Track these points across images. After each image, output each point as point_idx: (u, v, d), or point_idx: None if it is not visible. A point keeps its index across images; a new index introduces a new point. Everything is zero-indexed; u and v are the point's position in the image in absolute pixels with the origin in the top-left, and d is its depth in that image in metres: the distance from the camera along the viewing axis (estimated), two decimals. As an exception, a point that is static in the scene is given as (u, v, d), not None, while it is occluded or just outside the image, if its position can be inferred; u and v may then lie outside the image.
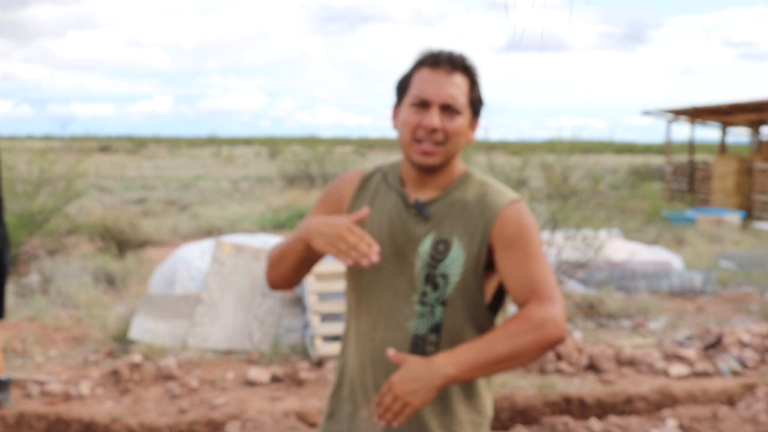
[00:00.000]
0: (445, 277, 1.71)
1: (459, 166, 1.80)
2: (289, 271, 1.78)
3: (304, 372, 4.69)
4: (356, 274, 1.81)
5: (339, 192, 1.87)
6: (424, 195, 1.77)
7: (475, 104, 1.76)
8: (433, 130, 1.69)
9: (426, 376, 1.57)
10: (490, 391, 1.82)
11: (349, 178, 1.89)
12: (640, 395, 4.53)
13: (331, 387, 1.90)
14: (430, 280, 1.71)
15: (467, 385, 1.75)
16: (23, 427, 4.08)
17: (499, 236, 1.70)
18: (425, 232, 1.74)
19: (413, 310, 1.72)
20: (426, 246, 1.73)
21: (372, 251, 1.58)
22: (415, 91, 1.72)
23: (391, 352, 1.62)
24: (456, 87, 1.71)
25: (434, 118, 1.68)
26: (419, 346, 1.73)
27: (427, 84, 1.70)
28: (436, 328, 1.72)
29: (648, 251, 8.16)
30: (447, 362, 1.58)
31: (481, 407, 1.79)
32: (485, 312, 1.75)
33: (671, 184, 19.75)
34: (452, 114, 1.70)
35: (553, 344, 1.61)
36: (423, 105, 1.70)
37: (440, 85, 1.70)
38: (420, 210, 1.75)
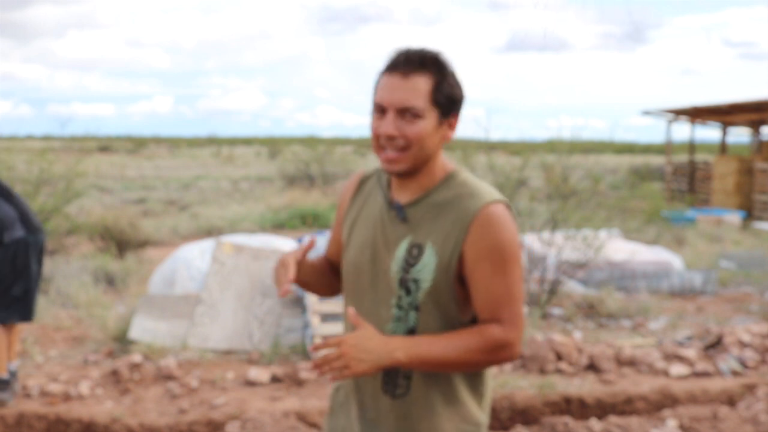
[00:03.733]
0: (416, 282, 1.67)
1: (444, 166, 1.74)
2: (312, 290, 1.93)
3: (304, 372, 4.69)
4: (345, 275, 1.82)
5: (343, 195, 1.90)
6: (404, 197, 1.73)
7: (443, 102, 1.66)
8: (391, 137, 1.64)
9: (378, 354, 1.58)
10: (477, 398, 1.76)
11: (350, 181, 1.90)
12: (640, 395, 4.53)
13: (334, 384, 1.93)
14: (403, 284, 1.68)
15: (447, 391, 1.72)
16: (23, 427, 4.08)
17: (471, 246, 1.64)
18: (403, 235, 1.71)
19: (391, 314, 1.71)
20: (402, 250, 1.70)
21: (285, 281, 1.70)
22: (375, 97, 1.68)
23: (351, 310, 1.63)
24: (411, 90, 1.63)
25: (389, 126, 1.63)
26: None
27: (383, 90, 1.66)
28: (412, 333, 1.70)
29: (648, 251, 8.16)
30: (401, 348, 1.61)
31: (467, 415, 1.73)
32: (458, 320, 1.70)
33: (671, 184, 19.75)
34: (411, 118, 1.64)
35: (501, 364, 1.72)
36: (381, 111, 1.66)
37: (393, 90, 1.64)
38: (398, 212, 1.72)
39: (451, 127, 1.71)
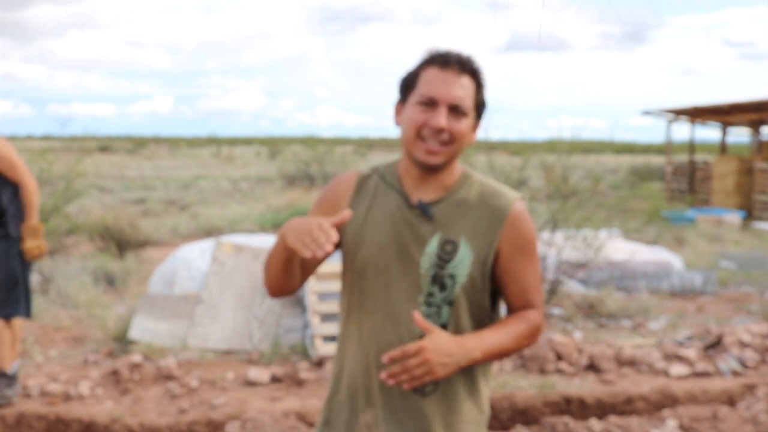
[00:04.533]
0: (452, 277, 1.72)
1: (458, 166, 1.81)
2: (278, 275, 1.75)
3: (304, 372, 4.69)
4: (358, 275, 1.78)
5: (335, 194, 1.84)
6: (426, 195, 1.76)
7: (480, 107, 1.77)
8: (440, 130, 1.69)
9: (458, 356, 1.63)
10: (488, 388, 1.83)
11: (345, 180, 1.86)
12: (640, 395, 4.53)
13: (327, 392, 1.87)
14: (438, 280, 1.72)
15: (470, 383, 1.77)
16: (23, 427, 4.08)
17: (508, 241, 1.75)
18: (431, 232, 1.74)
19: (419, 312, 1.72)
20: (433, 246, 1.73)
21: (328, 242, 1.55)
22: (423, 89, 1.71)
23: (417, 315, 1.62)
24: (464, 89, 1.71)
25: (441, 118, 1.68)
26: None
27: (436, 84, 1.70)
28: (444, 328, 1.73)
29: (648, 251, 8.16)
30: (477, 347, 1.66)
31: (482, 405, 1.81)
32: (488, 311, 1.78)
33: (671, 184, 19.75)
34: (459, 115, 1.70)
35: (530, 347, 1.80)
36: (430, 104, 1.70)
37: (449, 85, 1.70)
38: (424, 211, 1.75)
39: (475, 131, 1.80)
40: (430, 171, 1.74)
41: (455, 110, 1.70)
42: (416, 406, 1.74)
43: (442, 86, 1.69)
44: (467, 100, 1.71)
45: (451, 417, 1.75)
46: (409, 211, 1.76)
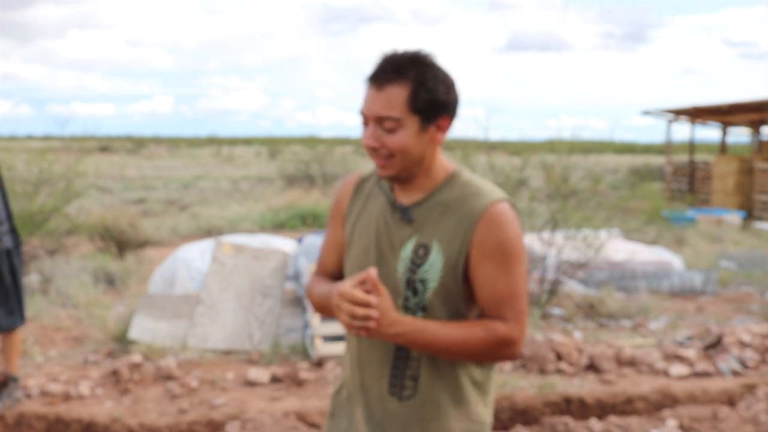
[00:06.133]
0: (423, 282, 1.68)
1: (445, 166, 1.74)
2: (328, 314, 1.82)
3: (304, 372, 4.69)
4: (349, 276, 1.81)
5: (339, 198, 1.88)
6: (409, 198, 1.74)
7: (423, 108, 1.63)
8: (373, 149, 1.66)
9: (382, 325, 1.60)
10: (484, 397, 1.77)
11: (347, 183, 1.89)
12: (640, 395, 4.53)
13: (334, 386, 1.92)
14: (410, 285, 1.69)
15: (455, 392, 1.73)
16: (23, 427, 4.08)
17: (478, 244, 1.65)
18: (408, 235, 1.71)
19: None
20: (408, 250, 1.70)
21: (371, 312, 1.57)
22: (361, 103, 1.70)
23: (373, 271, 1.59)
24: (387, 101, 1.62)
25: (369, 138, 1.65)
26: (404, 351, 1.72)
27: (365, 99, 1.67)
28: None
29: (648, 251, 8.16)
30: (404, 325, 1.62)
31: (473, 414, 1.75)
32: (466, 316, 1.71)
33: (671, 184, 19.74)
34: (389, 129, 1.64)
35: (504, 361, 1.68)
36: (365, 121, 1.68)
37: (371, 102, 1.65)
38: (404, 213, 1.72)
39: (441, 129, 1.68)
40: (395, 180, 1.72)
41: (384, 124, 1.64)
42: (392, 410, 1.74)
43: (366, 103, 1.66)
44: (393, 111, 1.62)
45: (433, 424, 1.72)
46: (391, 214, 1.75)
